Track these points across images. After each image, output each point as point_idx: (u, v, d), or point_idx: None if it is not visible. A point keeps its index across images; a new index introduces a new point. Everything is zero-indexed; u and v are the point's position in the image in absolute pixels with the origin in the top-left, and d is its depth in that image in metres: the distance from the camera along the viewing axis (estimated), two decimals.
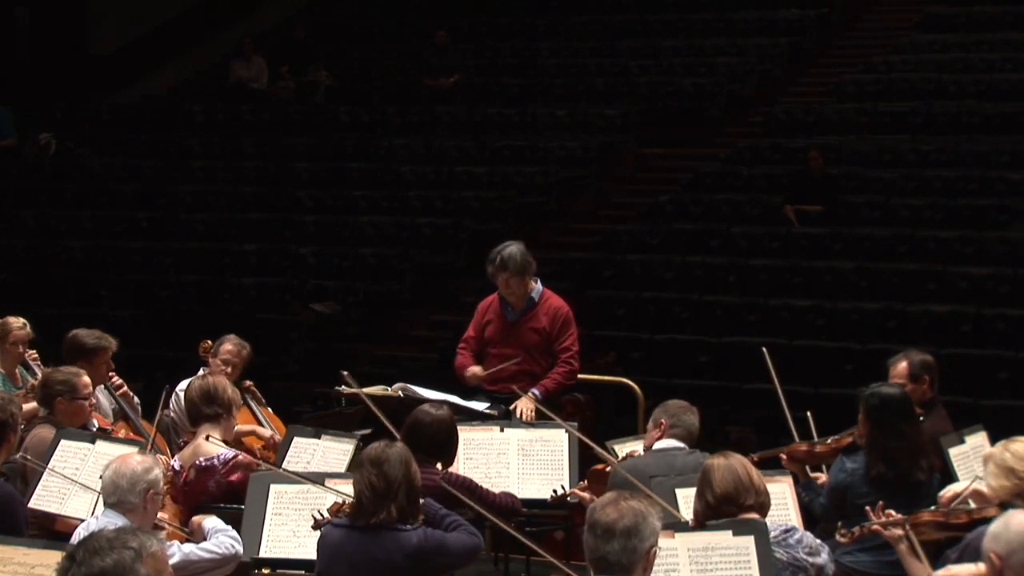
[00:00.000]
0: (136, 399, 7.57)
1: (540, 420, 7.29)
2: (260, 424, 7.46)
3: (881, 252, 12.46)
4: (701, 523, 4.92)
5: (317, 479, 5.78)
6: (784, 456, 6.60)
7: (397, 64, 17.73)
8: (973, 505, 5.59)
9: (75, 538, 4.99)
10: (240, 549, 5.39)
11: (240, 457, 6.11)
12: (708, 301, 12.32)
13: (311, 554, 5.27)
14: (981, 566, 4.37)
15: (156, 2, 18.55)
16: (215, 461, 6.07)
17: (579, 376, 8.73)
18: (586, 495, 6.34)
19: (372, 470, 5.00)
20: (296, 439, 6.72)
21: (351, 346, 13.28)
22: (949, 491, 5.72)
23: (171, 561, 4.87)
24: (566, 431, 6.90)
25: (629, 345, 11.88)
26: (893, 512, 5.52)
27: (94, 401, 6.91)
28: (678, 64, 16.54)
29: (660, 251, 13.21)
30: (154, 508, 5.17)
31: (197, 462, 6.08)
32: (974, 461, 6.31)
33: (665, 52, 16.92)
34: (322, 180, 15.43)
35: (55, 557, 4.22)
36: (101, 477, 5.23)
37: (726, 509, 4.87)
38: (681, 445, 6.13)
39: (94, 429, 6.68)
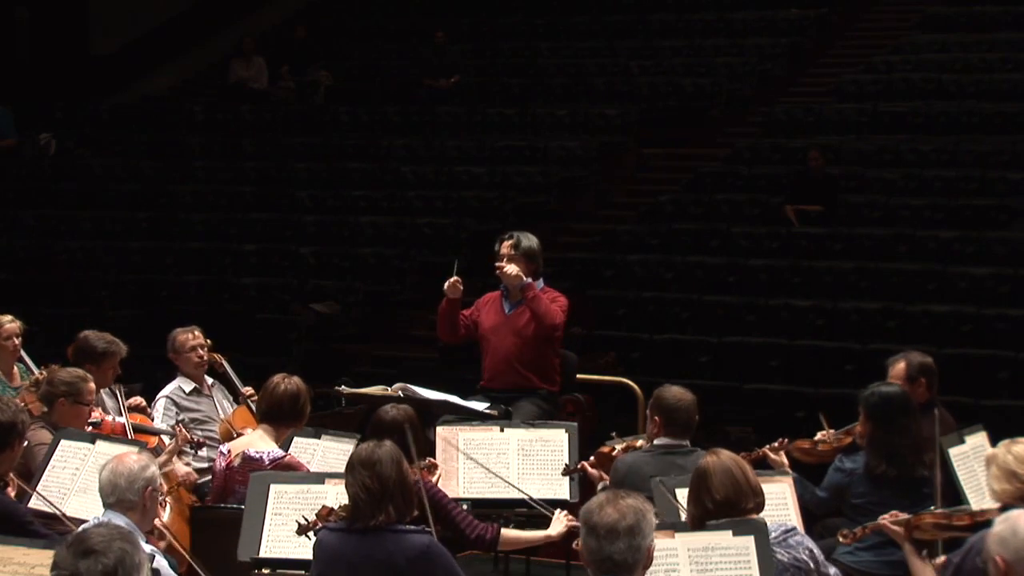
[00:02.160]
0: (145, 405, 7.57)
1: (539, 421, 7.32)
2: None
3: (881, 252, 12.45)
4: (704, 524, 4.90)
5: (317, 479, 5.79)
6: (770, 452, 6.56)
7: (397, 64, 17.73)
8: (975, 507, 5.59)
9: None
10: None
11: (287, 459, 6.19)
12: (708, 301, 12.30)
13: (311, 554, 5.25)
14: None
15: (156, 2, 18.56)
16: (264, 456, 6.17)
17: (579, 376, 8.75)
18: (594, 471, 6.41)
19: (364, 472, 4.95)
20: (296, 439, 6.72)
21: (351, 346, 13.28)
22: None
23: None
24: (565, 431, 6.91)
25: (629, 345, 11.86)
26: (899, 513, 5.53)
27: (95, 410, 6.90)
28: (678, 64, 16.54)
29: (660, 251, 13.20)
30: (153, 505, 5.16)
31: (247, 451, 6.19)
32: (974, 461, 6.31)
33: (665, 52, 16.92)
34: (322, 180, 15.42)
35: None
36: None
37: (726, 513, 4.86)
38: (679, 442, 6.05)
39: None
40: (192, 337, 7.64)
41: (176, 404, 7.53)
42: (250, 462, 6.18)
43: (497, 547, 6.06)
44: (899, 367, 6.89)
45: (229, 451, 6.30)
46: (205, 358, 7.67)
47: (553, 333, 7.87)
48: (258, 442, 6.28)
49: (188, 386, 7.61)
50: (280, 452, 6.25)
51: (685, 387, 6.17)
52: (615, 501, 4.01)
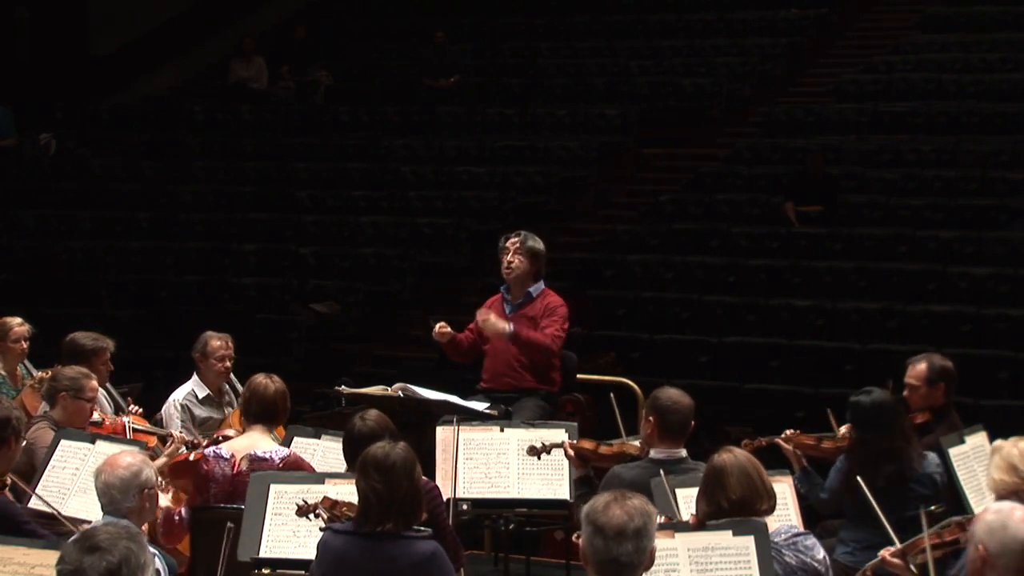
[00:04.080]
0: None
1: (539, 421, 7.32)
2: None
3: (881, 252, 12.45)
4: (704, 524, 4.89)
5: (317, 479, 5.78)
6: (783, 442, 6.57)
7: (397, 64, 17.73)
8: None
9: None
10: None
11: (293, 456, 6.18)
12: (708, 301, 12.31)
13: (311, 554, 5.24)
14: None
15: (156, 2, 18.55)
16: (272, 455, 6.13)
17: (579, 376, 8.75)
18: (572, 452, 6.38)
19: (377, 477, 4.89)
20: (296, 439, 6.72)
21: (351, 346, 13.27)
22: None
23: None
24: (565, 431, 6.90)
25: (629, 345, 11.86)
26: (891, 548, 5.49)
27: (96, 408, 6.91)
28: (678, 64, 16.54)
29: (660, 251, 13.20)
30: (153, 504, 5.16)
31: (253, 452, 6.11)
32: (974, 461, 6.32)
33: (665, 52, 16.92)
34: (322, 180, 15.42)
35: (55, 557, 4.22)
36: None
37: (739, 513, 4.85)
38: (676, 452, 5.88)
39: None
40: (224, 346, 7.65)
41: (189, 411, 7.54)
42: (259, 463, 6.11)
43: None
44: (920, 368, 6.85)
45: (232, 455, 6.15)
46: (229, 368, 7.66)
47: (551, 359, 7.87)
48: (261, 442, 6.21)
49: (202, 391, 7.60)
50: (286, 450, 6.24)
51: (685, 387, 6.09)
52: (622, 501, 3.97)
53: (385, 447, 5.00)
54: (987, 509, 4.17)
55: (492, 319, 7.79)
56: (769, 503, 4.91)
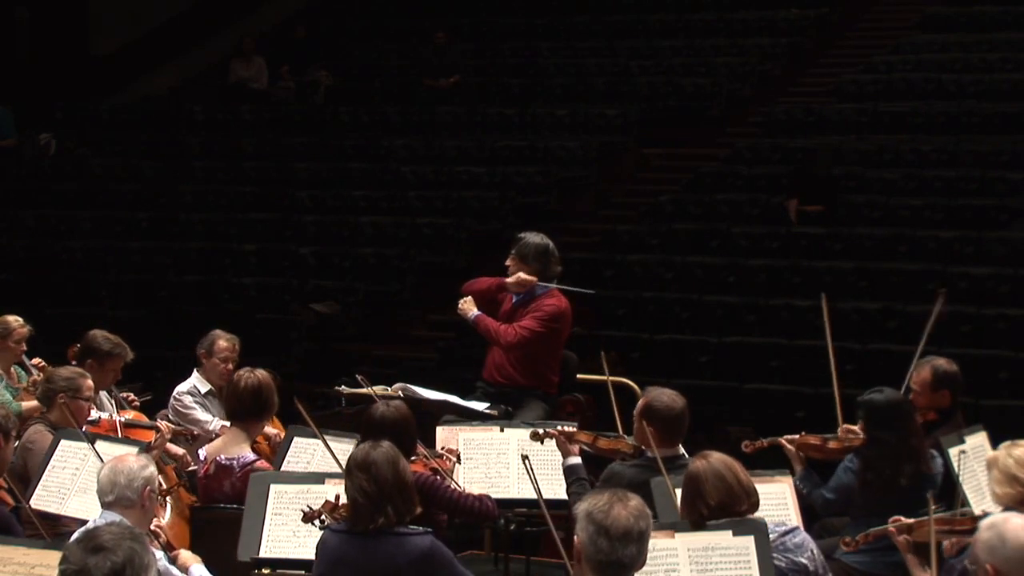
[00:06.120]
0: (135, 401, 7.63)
1: (540, 421, 7.32)
2: None
3: (881, 252, 12.45)
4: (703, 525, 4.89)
5: (317, 479, 5.79)
6: (786, 443, 6.57)
7: (397, 64, 17.74)
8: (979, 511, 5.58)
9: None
10: None
11: (259, 463, 6.15)
12: (708, 301, 12.30)
13: (311, 554, 5.25)
14: None
15: (156, 2, 18.56)
16: (235, 463, 6.14)
17: (579, 376, 8.74)
18: (563, 441, 6.37)
19: (361, 475, 4.95)
20: (296, 439, 6.72)
21: (351, 346, 13.27)
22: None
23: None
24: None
25: (629, 345, 11.85)
26: (902, 518, 5.50)
27: (94, 406, 6.91)
28: (678, 64, 16.54)
29: (660, 251, 13.20)
30: (151, 506, 5.17)
31: (219, 458, 6.14)
32: (974, 461, 6.31)
33: (665, 52, 16.93)
34: (322, 180, 15.43)
35: (55, 557, 4.22)
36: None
37: (720, 517, 4.86)
38: (675, 452, 5.92)
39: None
40: (231, 348, 7.68)
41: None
42: (223, 470, 6.16)
43: (497, 513, 6.15)
44: (923, 374, 6.82)
45: (206, 457, 6.24)
46: (232, 370, 7.68)
47: (514, 353, 7.86)
48: (230, 447, 6.24)
49: (204, 387, 7.64)
50: (250, 456, 6.23)
51: (685, 387, 6.11)
52: (624, 502, 3.97)
53: (365, 448, 5.08)
54: (980, 530, 4.18)
55: (463, 305, 7.93)
56: (749, 502, 4.91)
